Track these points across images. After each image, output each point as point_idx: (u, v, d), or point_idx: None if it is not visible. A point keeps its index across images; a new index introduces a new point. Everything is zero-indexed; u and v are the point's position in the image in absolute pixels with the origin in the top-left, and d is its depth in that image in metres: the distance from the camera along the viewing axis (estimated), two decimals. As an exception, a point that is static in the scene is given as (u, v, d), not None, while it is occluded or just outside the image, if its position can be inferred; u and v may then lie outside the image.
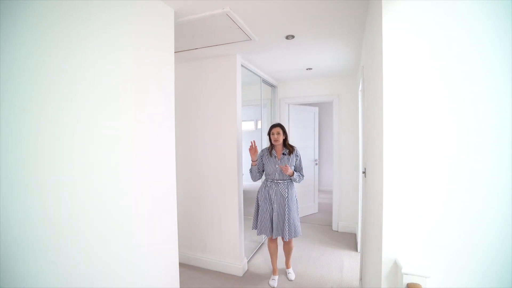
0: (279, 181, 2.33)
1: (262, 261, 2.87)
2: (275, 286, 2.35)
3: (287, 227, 2.26)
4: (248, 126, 6.54)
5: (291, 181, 2.36)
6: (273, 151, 2.38)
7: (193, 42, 2.18)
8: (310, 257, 2.91)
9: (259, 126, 6.60)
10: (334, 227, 3.72)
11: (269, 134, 2.40)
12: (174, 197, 1.54)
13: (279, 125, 2.38)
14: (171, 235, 1.51)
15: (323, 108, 5.95)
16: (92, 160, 1.00)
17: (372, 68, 1.50)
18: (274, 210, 2.32)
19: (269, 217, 2.34)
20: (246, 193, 3.28)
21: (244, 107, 2.73)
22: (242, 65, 2.68)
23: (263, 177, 2.50)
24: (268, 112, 3.99)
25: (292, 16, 1.73)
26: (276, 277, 2.44)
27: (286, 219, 2.26)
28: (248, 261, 2.81)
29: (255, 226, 2.42)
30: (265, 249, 3.15)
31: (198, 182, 2.75)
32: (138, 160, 1.26)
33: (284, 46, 2.30)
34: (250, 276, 2.56)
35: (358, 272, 2.55)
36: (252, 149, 2.35)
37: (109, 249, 1.09)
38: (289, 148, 2.37)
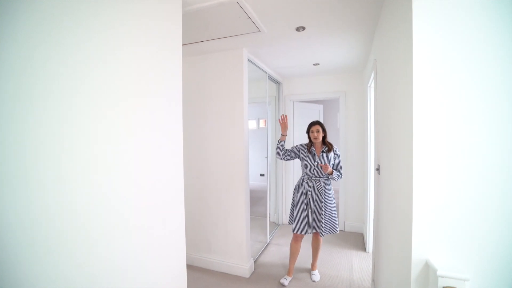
0: (316, 178, 2.29)
1: (269, 261, 2.79)
2: (286, 284, 2.29)
3: (323, 223, 2.24)
4: (250, 124, 6.45)
5: (329, 179, 2.32)
6: (312, 148, 2.34)
7: (199, 34, 2.10)
8: (318, 257, 2.82)
9: (261, 125, 6.54)
10: (341, 227, 3.64)
11: (308, 131, 2.37)
12: (182, 195, 1.46)
13: (318, 123, 2.34)
14: (178, 235, 1.43)
15: (328, 106, 5.88)
16: (96, 159, 0.92)
17: (392, 61, 1.42)
18: (310, 206, 2.29)
19: (305, 214, 2.30)
20: (251, 192, 3.20)
21: (248, 104, 2.65)
22: (248, 60, 2.59)
23: (301, 173, 2.45)
24: (273, 110, 3.91)
25: (304, 6, 1.65)
26: (290, 278, 2.37)
27: (323, 215, 2.25)
28: (254, 262, 2.73)
29: (291, 221, 2.39)
30: (272, 250, 3.07)
31: (203, 181, 2.67)
32: (145, 157, 1.17)
33: (293, 39, 2.22)
34: (257, 278, 2.47)
35: (369, 273, 2.47)
36: (282, 122, 2.33)
37: (114, 248, 1.01)
38: (328, 146, 2.32)
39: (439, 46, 0.94)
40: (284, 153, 2.38)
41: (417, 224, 0.99)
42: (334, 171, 2.28)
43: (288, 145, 3.88)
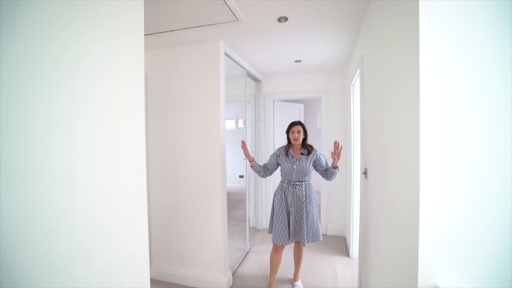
0: (296, 183, 2.10)
1: (249, 272, 2.59)
2: None
3: (305, 231, 2.05)
4: (228, 124, 6.20)
5: (309, 182, 2.15)
6: (290, 150, 2.15)
7: (168, 22, 1.85)
8: (301, 266, 2.67)
9: (240, 125, 6.32)
10: (323, 230, 3.53)
11: (287, 132, 2.18)
12: (145, 202, 1.22)
13: (299, 123, 2.15)
14: (140, 248, 1.18)
15: (308, 105, 5.80)
16: (36, 161, 0.67)
17: (386, 58, 1.27)
18: (291, 213, 2.09)
19: (286, 222, 2.10)
20: (229, 195, 2.98)
21: (226, 103, 2.43)
22: (226, 54, 2.38)
23: (280, 178, 2.25)
24: (252, 109, 3.72)
25: (288, -9, 1.47)
26: None
27: (304, 223, 2.06)
28: (233, 274, 2.51)
29: (270, 231, 2.18)
30: (252, 258, 2.87)
31: (176, 186, 2.41)
32: (99, 160, 0.92)
33: (274, 31, 2.04)
34: (236, 292, 2.27)
35: (354, 281, 2.35)
36: (244, 146, 2.22)
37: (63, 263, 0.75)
38: (307, 148, 2.13)
39: (447, 44, 0.79)
40: (264, 172, 2.23)
41: (425, 241, 0.84)
42: (332, 168, 2.07)
43: (269, 148, 3.71)
